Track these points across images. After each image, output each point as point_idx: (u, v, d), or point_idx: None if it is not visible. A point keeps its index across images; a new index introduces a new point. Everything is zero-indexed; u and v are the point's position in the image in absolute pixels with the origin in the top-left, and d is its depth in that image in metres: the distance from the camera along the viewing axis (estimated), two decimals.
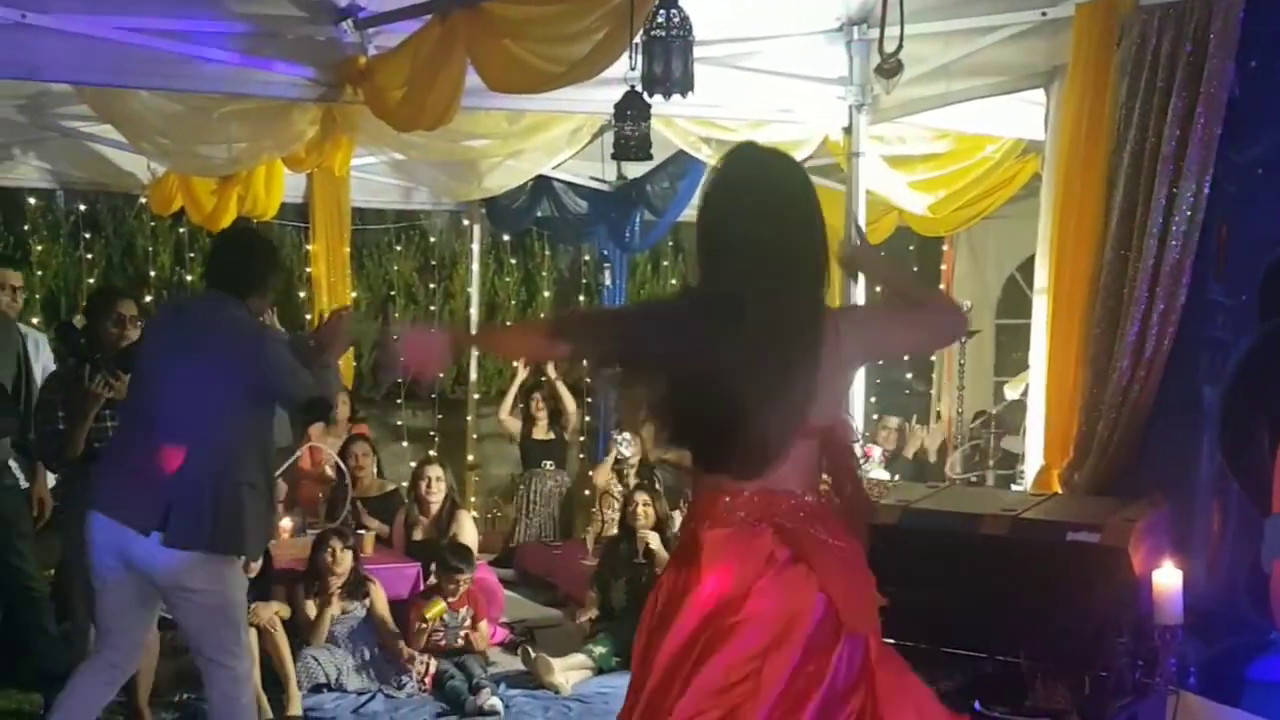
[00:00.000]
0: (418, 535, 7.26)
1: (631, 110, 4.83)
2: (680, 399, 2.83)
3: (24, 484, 5.87)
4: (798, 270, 2.82)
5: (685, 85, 4.53)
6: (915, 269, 10.32)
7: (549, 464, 9.11)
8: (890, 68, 5.01)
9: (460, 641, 6.32)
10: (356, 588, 6.19)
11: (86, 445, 5.00)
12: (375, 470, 7.95)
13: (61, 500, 5.07)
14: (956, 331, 3.24)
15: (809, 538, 2.79)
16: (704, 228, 2.91)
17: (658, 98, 4.67)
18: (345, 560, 6.13)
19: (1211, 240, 4.35)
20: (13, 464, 5.78)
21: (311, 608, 6.10)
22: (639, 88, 4.67)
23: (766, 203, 2.83)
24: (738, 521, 2.78)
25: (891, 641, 4.26)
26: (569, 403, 9.16)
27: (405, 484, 7.92)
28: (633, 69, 4.65)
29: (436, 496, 7.31)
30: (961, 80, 5.60)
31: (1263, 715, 3.96)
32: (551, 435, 9.18)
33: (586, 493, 8.95)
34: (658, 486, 7.53)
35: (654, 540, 6.68)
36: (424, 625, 6.21)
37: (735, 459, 2.80)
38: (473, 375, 10.44)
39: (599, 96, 5.34)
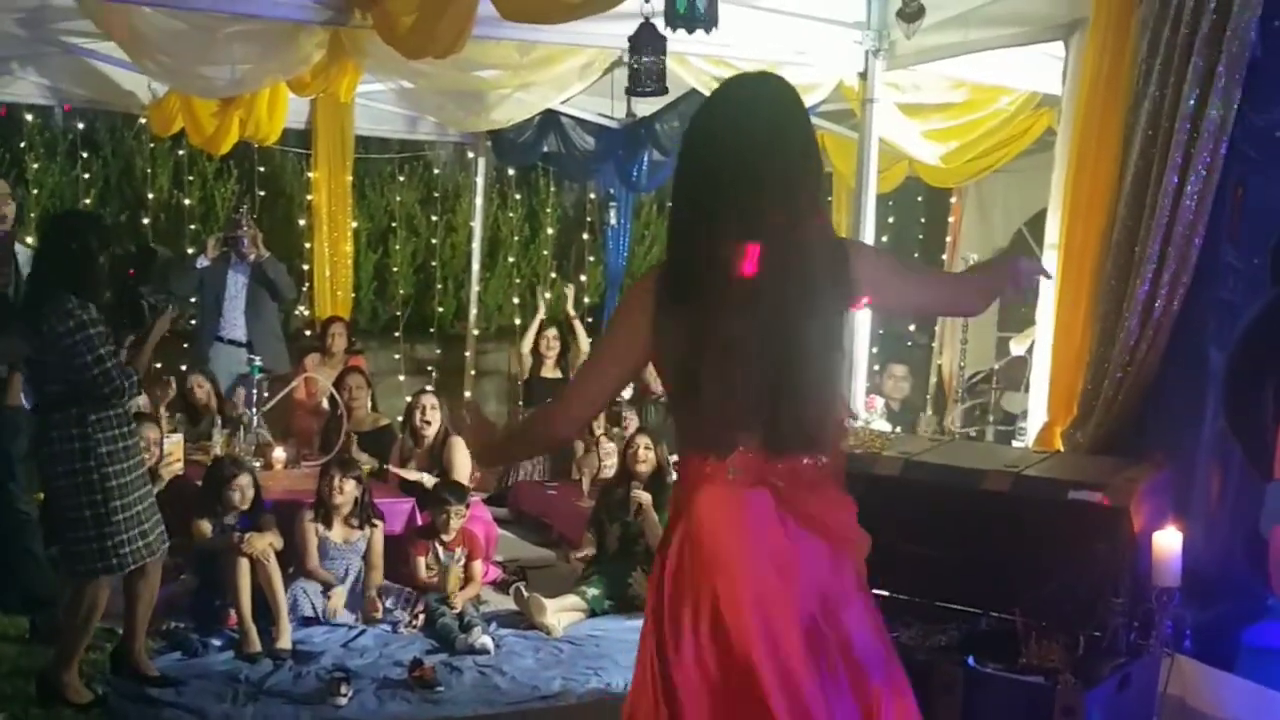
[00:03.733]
0: (412, 467, 7.23)
1: (646, 44, 4.73)
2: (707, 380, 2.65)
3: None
4: (801, 209, 2.66)
5: (710, 20, 4.43)
6: (921, 220, 10.27)
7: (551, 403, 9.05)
8: (913, 11, 4.93)
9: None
10: (363, 517, 6.17)
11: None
12: (370, 404, 7.91)
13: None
14: (972, 307, 3.19)
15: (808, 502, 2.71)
16: (699, 169, 2.70)
17: (671, 32, 4.58)
18: (348, 489, 6.11)
19: (1226, 202, 4.29)
20: None
21: (313, 533, 6.08)
22: (654, 21, 4.58)
23: (767, 135, 2.65)
24: (728, 482, 2.67)
25: (886, 594, 4.28)
26: (584, 341, 9.12)
27: (400, 419, 7.89)
28: (647, 1, 4.55)
29: (431, 428, 7.27)
30: (980, 29, 5.51)
31: (1257, 681, 3.96)
32: (558, 373, 9.11)
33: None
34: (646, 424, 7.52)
35: (645, 499, 6.62)
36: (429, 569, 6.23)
37: (773, 434, 2.66)
38: (472, 311, 10.39)
39: (613, 30, 5.24)
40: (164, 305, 5.10)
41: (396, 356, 10.30)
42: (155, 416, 6.98)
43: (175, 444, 6.82)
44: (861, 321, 6.16)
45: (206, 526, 5.90)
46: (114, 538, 4.75)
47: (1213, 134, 4.19)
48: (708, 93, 6.58)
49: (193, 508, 6.04)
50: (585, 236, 10.82)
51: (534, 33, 5.74)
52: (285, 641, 5.60)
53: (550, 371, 9.07)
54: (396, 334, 10.37)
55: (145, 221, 9.37)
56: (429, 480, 6.94)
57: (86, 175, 9.48)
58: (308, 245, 9.48)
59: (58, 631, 5.21)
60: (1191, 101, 4.23)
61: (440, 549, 6.30)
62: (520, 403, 9.35)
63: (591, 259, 10.79)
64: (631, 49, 4.86)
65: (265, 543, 5.78)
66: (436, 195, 10.65)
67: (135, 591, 5.03)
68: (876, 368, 8.72)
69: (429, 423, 7.27)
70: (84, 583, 4.84)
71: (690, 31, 4.48)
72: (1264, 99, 4.21)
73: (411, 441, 7.33)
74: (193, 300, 8.57)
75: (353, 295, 9.69)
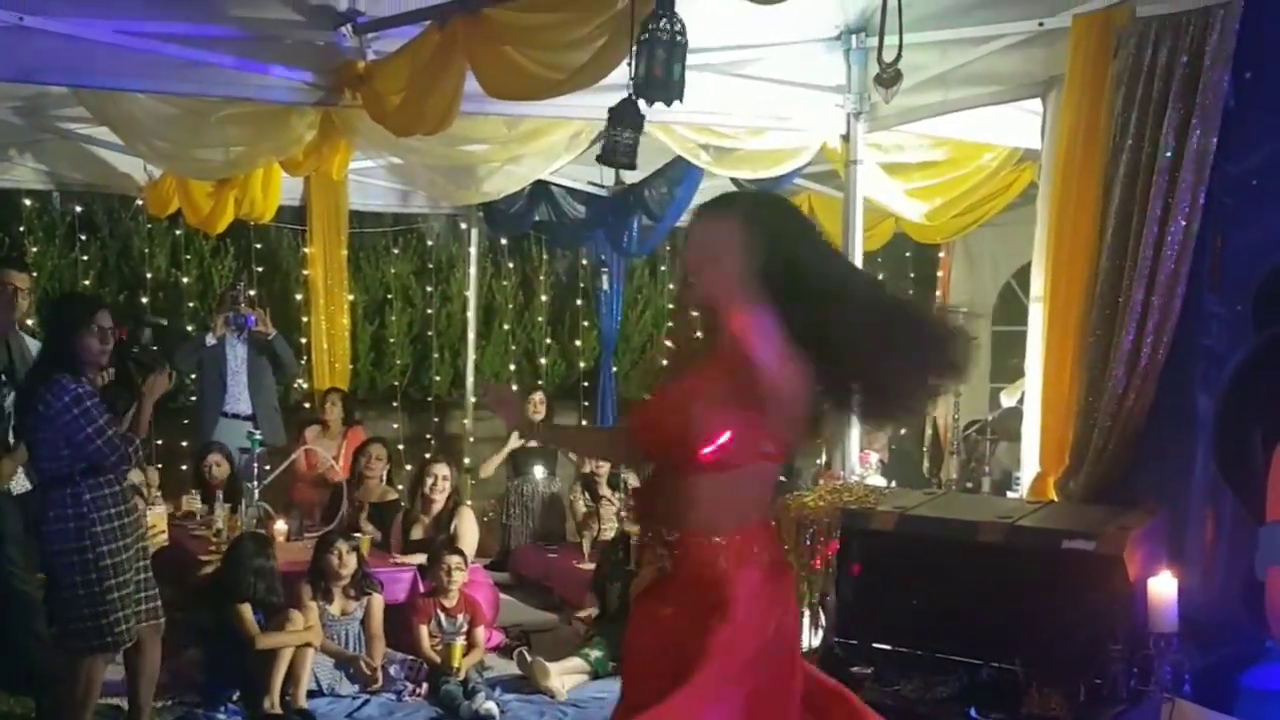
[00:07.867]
0: (416, 534, 7.23)
1: (626, 119, 4.81)
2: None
3: (18, 489, 5.83)
4: None
5: (676, 92, 4.53)
6: (911, 275, 10.37)
7: (539, 470, 9.06)
8: (889, 77, 5.03)
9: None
10: (360, 589, 6.19)
11: None
12: (384, 477, 7.94)
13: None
14: None
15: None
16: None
17: (657, 104, 4.67)
18: (350, 562, 6.15)
19: (1207, 251, 4.36)
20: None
21: (314, 608, 6.10)
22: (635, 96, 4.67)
23: None
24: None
25: (887, 647, 4.32)
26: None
27: (402, 488, 7.92)
28: (632, 77, 4.65)
29: (441, 495, 7.24)
30: (959, 89, 5.62)
31: None
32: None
33: (572, 498, 8.87)
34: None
35: None
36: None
37: None
38: (469, 379, 10.45)
39: (598, 102, 5.32)
40: (157, 364, 5.14)
41: (395, 426, 10.34)
42: (139, 488, 6.95)
43: (159, 515, 6.83)
44: None
45: (248, 611, 5.89)
46: (109, 616, 4.77)
47: (1190, 184, 4.28)
48: (692, 159, 6.75)
49: (217, 592, 6.03)
50: (579, 302, 10.91)
51: (521, 107, 5.84)
52: (302, 700, 5.66)
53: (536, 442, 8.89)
54: (395, 404, 10.43)
55: (144, 300, 9.45)
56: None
57: (85, 257, 9.57)
58: (305, 319, 9.56)
59: (62, 710, 5.21)
60: (1168, 153, 4.33)
61: (443, 615, 6.31)
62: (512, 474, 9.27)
63: (586, 324, 10.88)
64: (610, 120, 4.94)
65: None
66: (431, 266, 10.75)
67: (136, 668, 5.05)
68: None
69: (441, 491, 7.29)
70: (80, 660, 4.85)
71: (667, 104, 4.58)
72: (1239, 148, 4.30)
73: (419, 508, 7.33)
74: (192, 377, 8.62)
75: (350, 367, 9.76)
